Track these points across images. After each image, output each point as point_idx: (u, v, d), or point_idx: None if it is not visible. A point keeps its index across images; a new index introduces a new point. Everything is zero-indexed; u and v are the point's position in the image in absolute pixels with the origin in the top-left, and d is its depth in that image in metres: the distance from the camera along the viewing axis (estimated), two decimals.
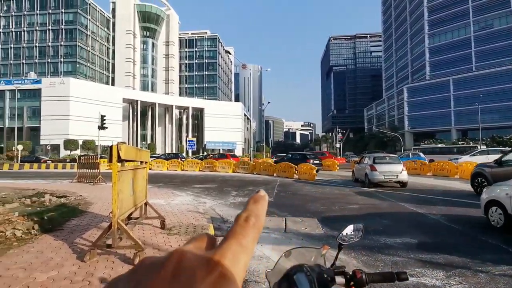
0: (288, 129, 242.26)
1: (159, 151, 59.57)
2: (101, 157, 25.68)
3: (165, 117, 69.59)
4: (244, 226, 0.25)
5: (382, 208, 8.09)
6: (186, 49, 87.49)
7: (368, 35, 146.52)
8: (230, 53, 72.97)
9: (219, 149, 65.02)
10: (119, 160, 3.79)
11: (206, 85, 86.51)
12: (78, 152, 46.01)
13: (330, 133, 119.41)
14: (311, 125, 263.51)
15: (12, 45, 65.64)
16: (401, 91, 78.68)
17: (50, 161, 34.78)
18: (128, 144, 57.94)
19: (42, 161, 34.42)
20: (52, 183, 14.53)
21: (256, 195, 0.29)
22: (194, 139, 45.11)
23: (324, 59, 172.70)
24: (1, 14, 65.78)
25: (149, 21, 77.45)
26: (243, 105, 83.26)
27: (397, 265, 4.01)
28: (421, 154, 27.51)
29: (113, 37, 75.26)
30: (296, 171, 17.39)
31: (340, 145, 59.76)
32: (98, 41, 71.04)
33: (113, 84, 72.58)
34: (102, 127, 26.84)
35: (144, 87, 76.68)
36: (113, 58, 75.24)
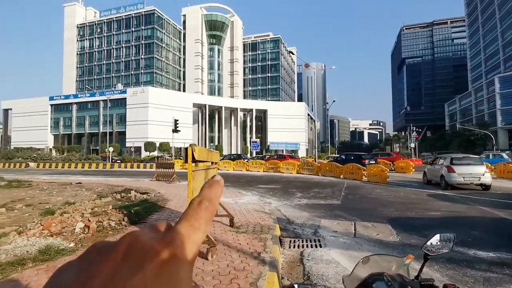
0: (355, 128, 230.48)
1: (225, 152, 62.68)
2: (174, 158, 28.02)
3: (231, 119, 72.80)
4: (197, 209, 0.26)
5: (468, 215, 7.11)
6: (250, 53, 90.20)
7: (449, 21, 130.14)
8: (293, 53, 72.84)
9: (283, 150, 65.21)
10: (193, 160, 4.08)
11: (269, 86, 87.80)
12: (155, 153, 51.18)
13: (402, 132, 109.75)
14: (381, 123, 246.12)
15: (104, 62, 76.50)
16: (491, 82, 68.03)
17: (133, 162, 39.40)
18: (198, 145, 62.13)
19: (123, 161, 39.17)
20: (136, 181, 16.43)
21: (211, 180, 0.29)
22: (258, 140, 46.18)
23: (395, 51, 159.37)
24: (96, 36, 77.18)
25: (215, 29, 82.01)
26: (306, 105, 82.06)
27: (490, 282, 3.48)
28: (504, 155, 23.61)
29: (184, 47, 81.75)
30: (365, 173, 16.43)
31: (415, 145, 54.39)
32: (171, 52, 78.08)
33: (184, 90, 78.87)
34: (175, 130, 29.36)
35: (211, 92, 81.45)
36: (184, 66, 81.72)
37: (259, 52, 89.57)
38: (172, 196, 9.98)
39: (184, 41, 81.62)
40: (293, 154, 63.49)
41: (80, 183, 15.00)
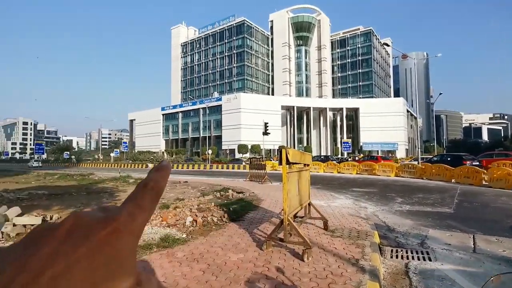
0: (470, 124, 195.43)
1: (314, 153, 61.80)
2: (266, 159, 29.06)
3: (319, 120, 71.40)
4: (142, 189, 0.27)
5: None
6: (338, 50, 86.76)
7: None
8: (387, 45, 66.39)
9: (378, 151, 60.38)
10: (287, 162, 4.19)
11: (360, 83, 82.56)
12: (248, 155, 54.24)
13: None
14: (505, 117, 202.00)
15: (202, 73, 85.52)
16: None
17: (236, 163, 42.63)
18: (287, 147, 63.04)
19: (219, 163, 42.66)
20: (232, 181, 17.75)
21: (158, 165, 0.30)
22: (349, 140, 43.90)
23: None
24: (196, 51, 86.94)
25: (302, 30, 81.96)
26: (404, 100, 73.90)
27: None
28: None
29: (272, 52, 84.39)
30: (486, 177, 13.78)
31: None
32: (260, 57, 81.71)
33: (273, 93, 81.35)
34: (265, 133, 30.54)
35: (299, 93, 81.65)
36: (272, 70, 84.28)
37: (349, 48, 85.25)
38: (265, 196, 10.40)
39: (272, 46, 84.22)
40: (390, 155, 58.03)
41: (187, 182, 17.11)
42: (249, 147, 57.25)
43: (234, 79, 78.54)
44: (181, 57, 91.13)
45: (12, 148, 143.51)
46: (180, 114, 74.47)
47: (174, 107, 76.84)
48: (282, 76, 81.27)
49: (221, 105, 65.02)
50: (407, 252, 4.75)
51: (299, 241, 4.27)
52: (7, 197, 10.18)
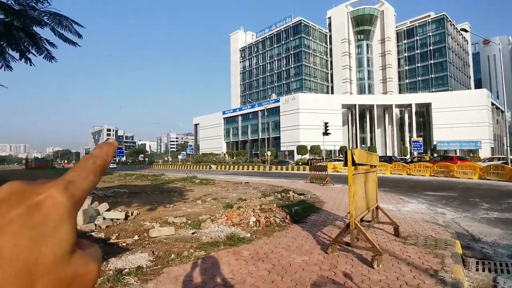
0: None
1: (379, 153, 57.79)
2: (328, 160, 28.26)
3: (384, 118, 66.68)
4: (84, 162, 0.27)
5: None
6: (405, 41, 79.88)
7: None
8: (465, 31, 58.90)
9: (455, 150, 53.95)
10: (353, 164, 4.00)
11: (433, 75, 74.65)
12: (307, 156, 53.38)
13: None
14: None
15: (260, 76, 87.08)
16: None
17: (294, 164, 42.51)
18: (350, 148, 60.43)
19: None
20: (292, 182, 17.66)
21: (102, 142, 0.30)
22: (420, 139, 39.91)
23: None
24: (254, 55, 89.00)
25: (363, 24, 77.72)
26: (488, 92, 64.45)
27: None
28: None
29: (330, 50, 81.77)
30: None
31: None
32: (318, 56, 79.87)
33: (332, 92, 78.74)
34: (326, 133, 29.67)
35: (361, 91, 77.51)
36: (331, 68, 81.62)
37: (417, 38, 77.81)
38: (328, 199, 10.10)
39: (330, 43, 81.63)
40: (471, 155, 51.30)
41: (248, 182, 17.58)
42: (309, 148, 56.29)
43: (292, 79, 78.17)
44: (240, 62, 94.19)
45: None
46: (240, 117, 76.92)
47: (234, 110, 79.72)
48: (342, 74, 78.11)
49: (279, 106, 65.32)
50: (495, 265, 4.15)
51: (367, 247, 4.04)
52: (97, 194, 11.75)
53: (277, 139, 66.37)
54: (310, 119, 59.05)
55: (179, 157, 51.89)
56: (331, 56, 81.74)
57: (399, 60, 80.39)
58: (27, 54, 3.69)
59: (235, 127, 78.62)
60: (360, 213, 4.54)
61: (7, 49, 3.65)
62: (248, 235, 5.45)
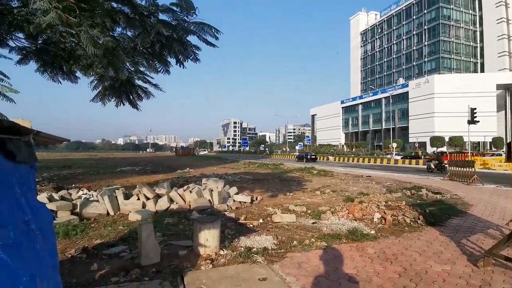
0: None
1: None
2: (472, 155, 23.38)
3: None
4: None
5: None
6: None
7: None
8: None
9: None
10: None
11: None
12: (444, 149, 45.24)
13: None
14: None
15: (385, 59, 78.60)
16: None
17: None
18: (506, 139, 47.93)
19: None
20: (424, 178, 15.37)
21: None
22: None
23: None
24: (377, 37, 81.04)
25: None
26: None
27: None
28: None
29: (480, 17, 65.62)
30: None
31: None
32: (462, 27, 65.47)
33: (482, 70, 63.47)
34: (472, 121, 24.24)
35: None
36: (481, 41, 65.59)
37: None
38: (475, 201, 8.31)
39: (480, 9, 65.47)
40: None
41: (370, 176, 16.38)
42: (446, 139, 47.54)
43: (425, 60, 67.10)
44: (361, 46, 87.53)
45: (227, 142, 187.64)
46: (360, 106, 72.03)
47: (354, 99, 75.22)
48: (497, 46, 61.49)
49: (407, 92, 57.59)
50: None
51: None
52: (227, 179, 13.40)
53: (405, 129, 58.91)
54: (449, 104, 49.58)
55: (296, 147, 53.24)
56: (480, 25, 65.57)
57: None
58: (181, 59, 4.49)
59: (354, 117, 74.26)
60: None
61: (168, 57, 4.53)
62: (373, 232, 5.08)
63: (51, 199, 6.38)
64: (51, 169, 19.79)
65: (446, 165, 17.82)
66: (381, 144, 61.57)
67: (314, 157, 39.47)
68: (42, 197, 6.10)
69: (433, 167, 20.25)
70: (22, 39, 4.55)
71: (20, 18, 4.03)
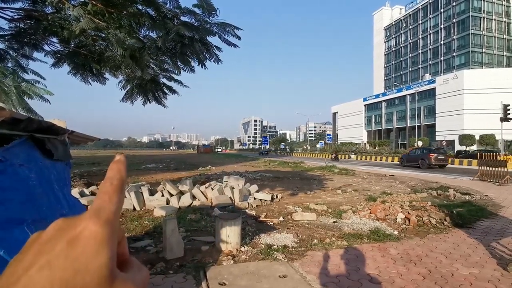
0: None
1: None
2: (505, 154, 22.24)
3: None
4: (102, 186, 0.29)
5: None
6: None
7: None
8: None
9: None
10: None
11: None
12: (474, 147, 43.06)
13: None
14: None
15: (410, 55, 75.79)
16: None
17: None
18: None
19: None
20: (452, 178, 14.75)
21: (112, 162, 0.31)
22: None
23: None
24: (401, 32, 78.22)
25: None
26: None
27: None
28: None
29: None
30: None
31: None
32: (494, 20, 61.86)
33: None
34: (505, 118, 22.91)
35: None
36: None
37: None
38: (507, 202, 7.89)
39: None
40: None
41: (393, 175, 15.93)
42: (477, 137, 45.18)
43: (454, 54, 64.02)
44: (384, 42, 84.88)
45: (248, 140, 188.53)
46: (384, 103, 69.91)
47: (377, 96, 73.10)
48: None
49: (434, 88, 55.22)
50: None
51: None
52: (247, 177, 13.50)
53: (431, 126, 56.58)
54: (480, 101, 47.11)
55: (317, 146, 52.56)
56: None
57: None
58: (203, 60, 4.61)
59: (377, 115, 72.20)
60: None
61: (191, 57, 4.66)
62: (396, 232, 4.97)
63: (82, 194, 6.74)
64: (82, 165, 20.80)
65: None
66: (405, 142, 59.48)
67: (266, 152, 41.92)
68: (74, 192, 6.46)
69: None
70: (56, 43, 4.84)
71: (54, 24, 4.29)
